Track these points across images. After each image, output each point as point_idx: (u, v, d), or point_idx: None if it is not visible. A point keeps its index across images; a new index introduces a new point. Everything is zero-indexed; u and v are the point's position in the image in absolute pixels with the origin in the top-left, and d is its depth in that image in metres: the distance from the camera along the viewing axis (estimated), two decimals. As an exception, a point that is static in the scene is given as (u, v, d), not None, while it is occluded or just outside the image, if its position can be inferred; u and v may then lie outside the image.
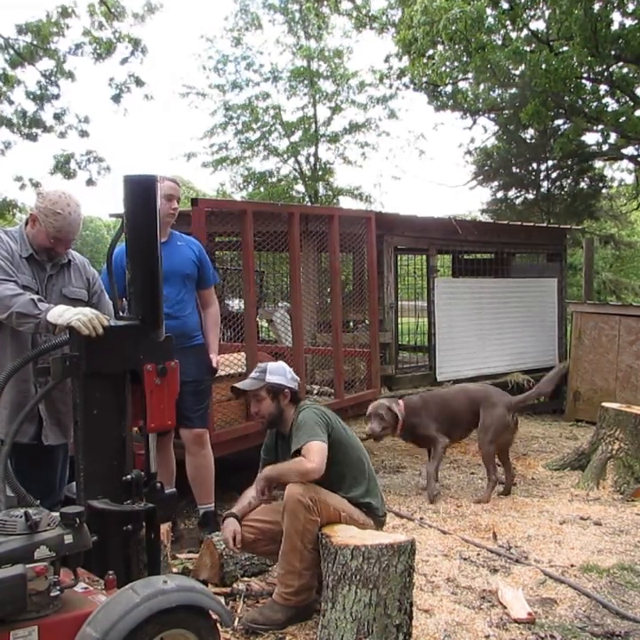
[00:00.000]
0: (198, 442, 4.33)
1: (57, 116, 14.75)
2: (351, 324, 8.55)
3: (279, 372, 3.57)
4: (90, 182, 15.07)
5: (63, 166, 14.72)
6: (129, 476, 2.60)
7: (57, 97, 14.50)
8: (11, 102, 14.38)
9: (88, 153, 15.00)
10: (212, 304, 4.48)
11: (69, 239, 3.20)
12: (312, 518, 3.19)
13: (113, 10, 13.92)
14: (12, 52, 13.60)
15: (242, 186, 21.35)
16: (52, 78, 14.24)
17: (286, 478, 3.33)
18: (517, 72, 12.99)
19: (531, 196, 18.33)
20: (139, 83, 14.82)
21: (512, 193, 18.72)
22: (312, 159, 20.96)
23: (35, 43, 13.64)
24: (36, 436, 3.22)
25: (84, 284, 3.37)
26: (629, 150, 14.74)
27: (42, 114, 14.63)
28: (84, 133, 14.97)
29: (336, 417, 3.61)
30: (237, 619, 3.30)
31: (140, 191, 2.67)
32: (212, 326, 4.44)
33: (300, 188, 21.27)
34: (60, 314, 2.77)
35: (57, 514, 2.31)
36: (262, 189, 20.58)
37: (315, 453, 3.26)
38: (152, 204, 2.66)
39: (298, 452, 3.33)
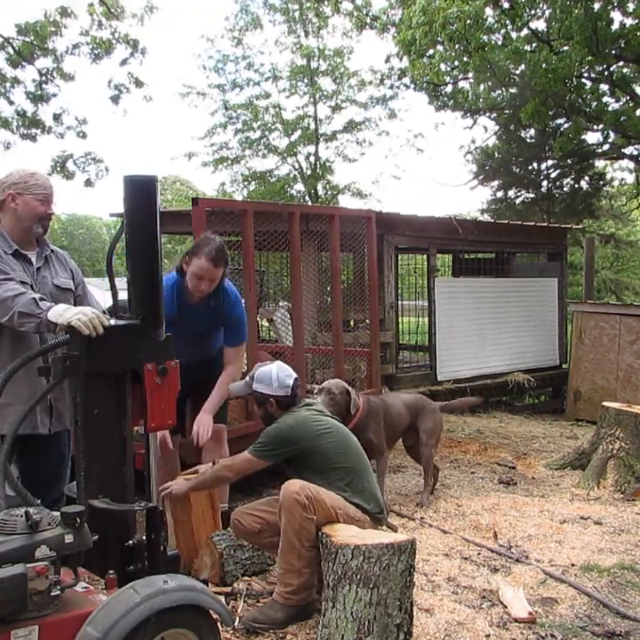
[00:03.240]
0: (215, 437, 4.29)
1: (56, 117, 14.76)
2: (351, 323, 8.56)
3: (264, 381, 3.56)
4: (88, 183, 15.08)
5: (62, 167, 14.71)
6: (131, 542, 2.56)
7: (54, 95, 14.49)
8: (11, 102, 14.40)
9: (86, 154, 15.01)
10: (233, 362, 4.27)
11: (53, 195, 3.28)
12: (308, 516, 3.19)
13: (112, 10, 13.91)
14: (11, 51, 13.60)
15: (242, 185, 21.38)
16: (48, 76, 14.21)
17: (207, 486, 3.69)
18: (517, 72, 13.00)
19: (531, 196, 18.34)
20: (138, 84, 14.80)
21: (512, 192, 18.73)
22: (312, 158, 20.98)
23: (34, 42, 13.63)
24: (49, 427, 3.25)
25: (69, 275, 3.42)
26: (630, 150, 14.74)
27: (41, 114, 14.66)
28: (80, 134, 14.97)
29: (326, 424, 3.54)
30: (238, 618, 3.30)
31: (141, 191, 2.67)
32: (224, 381, 4.15)
33: (299, 186, 21.30)
34: (61, 313, 2.77)
35: (58, 513, 2.31)
36: (263, 188, 20.60)
37: (238, 460, 3.53)
38: (152, 205, 2.66)
39: None
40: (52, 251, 3.40)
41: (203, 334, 4.17)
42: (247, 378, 3.68)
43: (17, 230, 3.21)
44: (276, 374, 3.59)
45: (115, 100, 14.87)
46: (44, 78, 14.22)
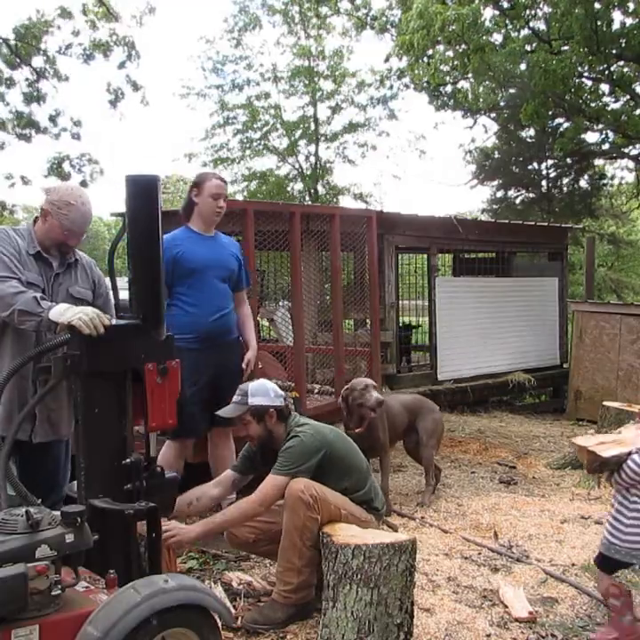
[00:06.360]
0: (229, 433, 4.36)
1: (51, 118, 14.75)
2: (352, 322, 8.56)
3: (261, 393, 3.45)
4: (83, 184, 15.02)
5: (58, 168, 14.70)
6: (128, 460, 2.58)
7: (40, 90, 14.37)
8: (6, 103, 14.38)
9: (82, 155, 14.99)
10: (245, 303, 4.51)
11: (82, 231, 3.21)
12: (312, 516, 3.19)
13: (111, 11, 13.87)
14: (8, 52, 13.58)
15: (242, 185, 21.37)
16: (40, 74, 14.15)
17: (230, 525, 3.41)
18: (517, 72, 13.00)
19: (530, 196, 18.32)
20: (136, 87, 14.77)
21: (512, 192, 18.71)
22: (312, 158, 20.98)
23: (32, 43, 13.61)
24: (30, 434, 3.23)
25: (90, 286, 3.37)
26: (630, 149, 14.73)
27: (36, 115, 14.63)
28: (75, 136, 14.94)
29: (330, 429, 3.56)
30: (239, 617, 3.30)
31: (142, 191, 2.67)
32: (250, 322, 4.50)
33: (299, 186, 21.28)
34: (62, 312, 2.77)
35: (58, 513, 2.31)
36: (264, 188, 20.58)
37: (265, 489, 3.28)
38: (154, 204, 2.66)
39: None
40: (77, 259, 3.35)
41: (220, 285, 4.25)
42: (235, 397, 3.51)
43: (40, 240, 3.21)
44: (269, 384, 3.54)
45: (113, 103, 14.84)
46: (35, 76, 14.16)
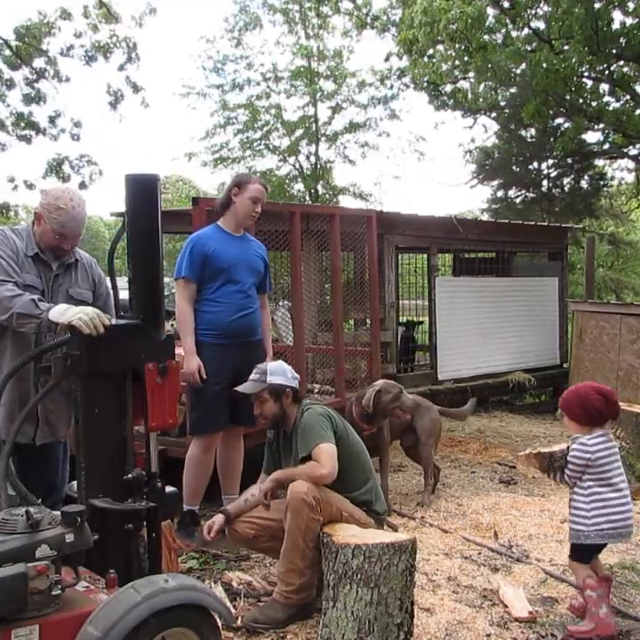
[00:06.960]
0: (240, 434, 4.42)
1: (51, 120, 14.74)
2: (352, 322, 8.56)
3: (280, 372, 3.57)
4: (82, 186, 15.00)
5: (57, 169, 14.67)
6: (130, 475, 2.59)
7: (40, 91, 14.33)
8: (6, 104, 14.36)
9: (81, 157, 14.97)
10: (266, 307, 4.61)
11: (75, 234, 3.19)
12: (315, 517, 3.20)
13: (112, 12, 13.84)
14: (9, 53, 13.56)
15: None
16: (39, 74, 14.11)
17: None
18: (518, 71, 13.00)
19: (531, 195, 18.31)
20: (136, 89, 14.74)
21: (512, 192, 18.70)
22: (313, 158, 20.97)
23: (32, 44, 13.59)
24: (33, 437, 3.23)
25: (90, 286, 3.37)
26: (630, 149, 14.74)
27: (36, 116, 14.59)
28: (75, 137, 14.91)
29: (339, 416, 3.62)
30: (239, 617, 3.30)
31: (142, 190, 2.67)
32: (268, 328, 4.64)
33: (299, 186, 21.27)
34: (62, 313, 2.77)
35: (58, 512, 2.31)
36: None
37: (326, 458, 3.28)
38: (154, 203, 2.66)
39: (308, 456, 3.34)
40: (77, 259, 3.34)
41: (248, 285, 4.30)
42: (253, 375, 3.60)
43: (41, 241, 3.20)
44: (286, 366, 3.66)
45: (113, 105, 14.81)
46: (35, 77, 14.13)
